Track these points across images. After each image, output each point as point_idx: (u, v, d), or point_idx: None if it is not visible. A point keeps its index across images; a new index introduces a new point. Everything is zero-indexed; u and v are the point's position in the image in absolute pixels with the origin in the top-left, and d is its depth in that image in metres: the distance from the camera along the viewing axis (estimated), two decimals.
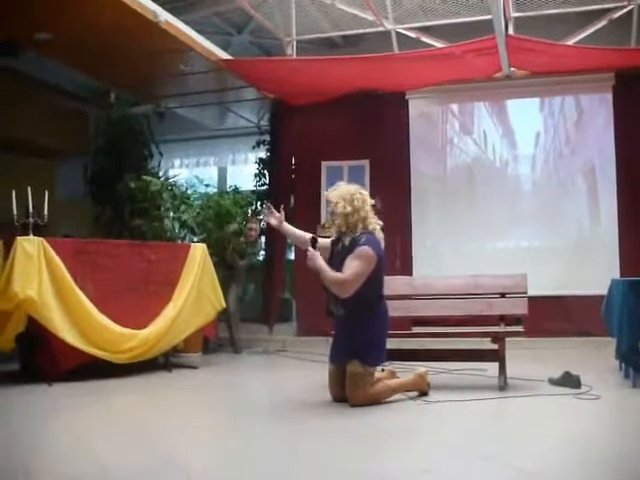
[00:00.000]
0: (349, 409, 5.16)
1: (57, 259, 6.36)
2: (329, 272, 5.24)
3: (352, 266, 5.19)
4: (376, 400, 5.28)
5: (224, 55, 9.28)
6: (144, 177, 8.26)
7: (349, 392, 5.26)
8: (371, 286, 5.29)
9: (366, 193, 5.58)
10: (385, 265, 5.49)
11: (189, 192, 9.21)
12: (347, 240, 5.37)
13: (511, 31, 8.48)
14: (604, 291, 6.91)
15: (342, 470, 3.60)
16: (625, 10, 8.83)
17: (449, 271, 9.39)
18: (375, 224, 5.47)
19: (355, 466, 3.66)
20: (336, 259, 5.39)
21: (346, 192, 5.45)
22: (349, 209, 5.36)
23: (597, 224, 9.85)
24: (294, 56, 9.76)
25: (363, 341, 5.30)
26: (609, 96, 9.85)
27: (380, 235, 5.47)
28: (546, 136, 10.23)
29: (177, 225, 8.30)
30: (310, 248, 5.36)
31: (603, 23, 9.00)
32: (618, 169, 9.67)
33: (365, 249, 5.23)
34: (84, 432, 4.55)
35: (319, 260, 5.28)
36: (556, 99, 10.13)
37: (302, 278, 10.71)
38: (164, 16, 7.85)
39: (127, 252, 7.16)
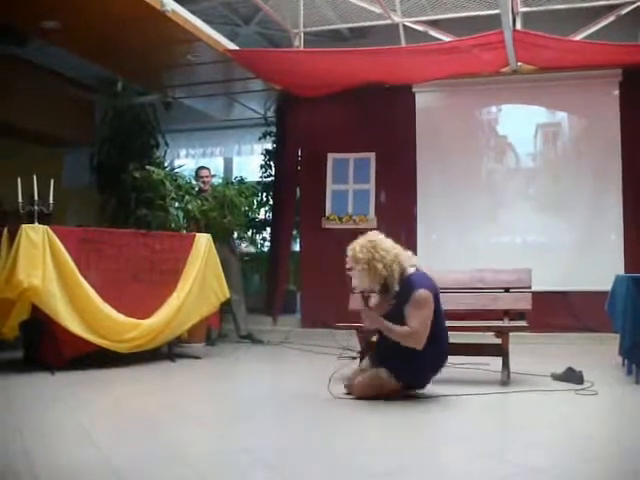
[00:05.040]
0: (351, 402, 5.17)
1: (62, 247, 6.36)
2: (395, 328, 5.08)
3: (416, 315, 5.03)
4: (378, 394, 5.26)
5: (231, 46, 9.27)
6: (147, 167, 8.24)
7: (361, 380, 5.25)
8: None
9: (375, 233, 5.41)
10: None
11: (193, 182, 9.21)
12: (395, 286, 5.19)
13: (519, 26, 8.46)
14: (608, 287, 6.91)
15: (342, 460, 3.60)
16: (633, 6, 8.80)
17: (454, 265, 9.37)
18: (407, 257, 5.30)
19: (355, 457, 3.66)
20: (391, 309, 5.24)
21: (363, 247, 5.21)
22: (378, 256, 5.13)
23: (602, 220, 9.80)
24: (301, 48, 9.75)
25: (406, 367, 5.17)
26: (616, 92, 9.83)
27: (415, 262, 5.34)
28: (552, 131, 10.22)
29: (181, 215, 8.29)
30: (364, 308, 5.32)
31: (611, 19, 8.97)
32: (624, 165, 9.66)
33: (421, 293, 5.05)
34: (86, 421, 4.54)
35: (379, 320, 5.18)
36: (563, 94, 10.08)
37: (307, 270, 10.74)
38: (171, 5, 7.84)
39: (132, 241, 7.15)
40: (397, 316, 5.12)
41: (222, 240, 8.70)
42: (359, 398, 5.21)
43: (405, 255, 5.29)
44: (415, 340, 5.02)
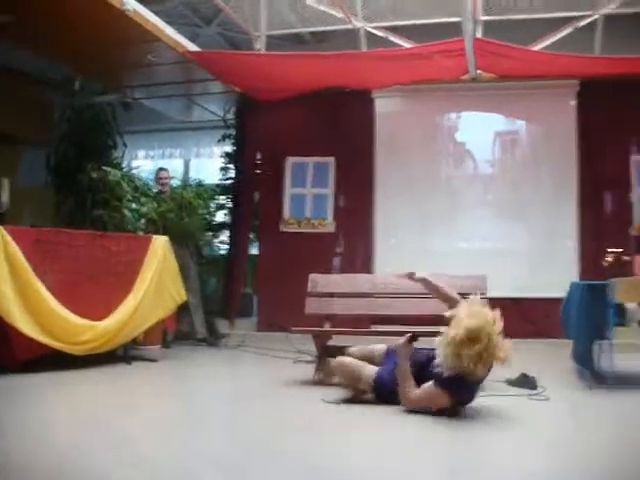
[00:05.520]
0: (300, 401, 5.23)
1: (16, 248, 6.26)
2: (406, 380, 4.90)
3: (424, 397, 4.80)
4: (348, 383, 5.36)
5: (191, 47, 9.23)
6: (104, 167, 8.18)
7: (343, 363, 5.34)
8: None
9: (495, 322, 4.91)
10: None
11: (151, 184, 9.14)
12: (443, 367, 4.79)
13: (479, 34, 8.54)
14: (564, 294, 7.00)
15: (296, 460, 3.60)
16: (590, 19, 8.97)
17: (412, 270, 9.41)
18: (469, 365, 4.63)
19: (309, 456, 3.66)
20: (427, 371, 4.96)
21: (479, 324, 4.78)
22: (467, 343, 4.65)
23: (559, 227, 9.97)
24: (262, 51, 9.74)
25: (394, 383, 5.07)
26: (573, 102, 10.02)
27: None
28: (511, 139, 10.36)
29: (137, 217, 8.23)
30: (400, 344, 5.06)
31: (569, 30, 9.11)
32: (580, 174, 9.84)
33: (441, 394, 4.73)
34: (39, 422, 4.50)
35: (403, 361, 4.98)
36: (521, 103, 10.23)
37: (264, 273, 10.72)
38: (132, 5, 7.78)
39: (88, 242, 7.07)
40: (419, 374, 4.98)
41: (181, 244, 8.67)
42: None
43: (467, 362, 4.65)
44: (406, 402, 4.89)
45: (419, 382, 4.93)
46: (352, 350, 5.55)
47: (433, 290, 5.31)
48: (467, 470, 3.57)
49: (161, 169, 9.62)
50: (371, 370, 5.21)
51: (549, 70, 9.30)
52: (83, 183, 8.43)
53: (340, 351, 5.67)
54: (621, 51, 8.55)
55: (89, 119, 11.10)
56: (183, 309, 8.65)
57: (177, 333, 9.01)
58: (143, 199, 8.44)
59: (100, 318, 6.88)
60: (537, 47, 9.11)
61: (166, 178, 9.36)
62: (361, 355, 5.46)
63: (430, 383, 4.80)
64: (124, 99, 11.29)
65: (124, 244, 7.42)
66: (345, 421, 4.79)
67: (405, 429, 4.52)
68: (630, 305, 6.39)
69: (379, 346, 5.52)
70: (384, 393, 5.07)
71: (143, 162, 13.43)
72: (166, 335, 8.61)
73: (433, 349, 4.96)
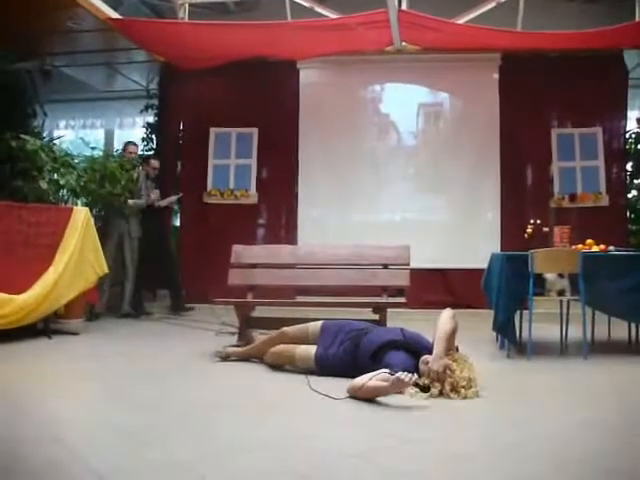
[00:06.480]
0: (225, 379, 5.22)
1: None
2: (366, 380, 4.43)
3: (372, 385, 4.42)
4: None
5: (113, 14, 9.03)
6: (22, 136, 7.97)
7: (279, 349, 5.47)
8: None
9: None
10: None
11: (73, 154, 8.95)
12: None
13: (404, 6, 8.58)
14: (485, 265, 7.11)
15: (211, 436, 3.59)
16: None
17: (335, 241, 9.45)
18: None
19: (226, 431, 3.66)
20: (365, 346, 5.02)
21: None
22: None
23: (481, 199, 10.13)
24: (186, 20, 9.61)
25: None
26: (496, 75, 10.18)
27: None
28: (434, 111, 10.46)
29: (54, 188, 8.05)
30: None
31: (492, 5, 9.25)
32: (502, 146, 10.01)
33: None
34: None
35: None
36: (445, 75, 10.32)
37: (187, 244, 10.63)
38: None
39: (5, 214, 6.91)
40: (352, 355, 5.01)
41: (117, 215, 8.70)
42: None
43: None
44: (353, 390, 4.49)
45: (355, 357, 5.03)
46: (286, 329, 5.56)
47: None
48: (393, 440, 3.61)
49: (131, 143, 9.86)
50: (304, 350, 5.27)
51: (472, 43, 9.41)
52: (2, 152, 8.20)
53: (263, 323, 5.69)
54: (541, 27, 8.71)
55: (6, 86, 10.80)
56: (114, 282, 8.62)
57: (106, 306, 8.92)
58: (63, 170, 8.25)
59: (19, 291, 6.74)
60: (461, 20, 9.21)
61: (133, 152, 9.67)
62: (295, 334, 5.50)
63: (386, 373, 4.56)
64: (44, 67, 10.99)
65: (44, 215, 7.27)
66: (268, 397, 4.78)
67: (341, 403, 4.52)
68: (549, 275, 6.50)
69: (313, 325, 5.53)
70: (329, 368, 5.10)
71: (64, 132, 13.15)
72: (92, 308, 8.50)
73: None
